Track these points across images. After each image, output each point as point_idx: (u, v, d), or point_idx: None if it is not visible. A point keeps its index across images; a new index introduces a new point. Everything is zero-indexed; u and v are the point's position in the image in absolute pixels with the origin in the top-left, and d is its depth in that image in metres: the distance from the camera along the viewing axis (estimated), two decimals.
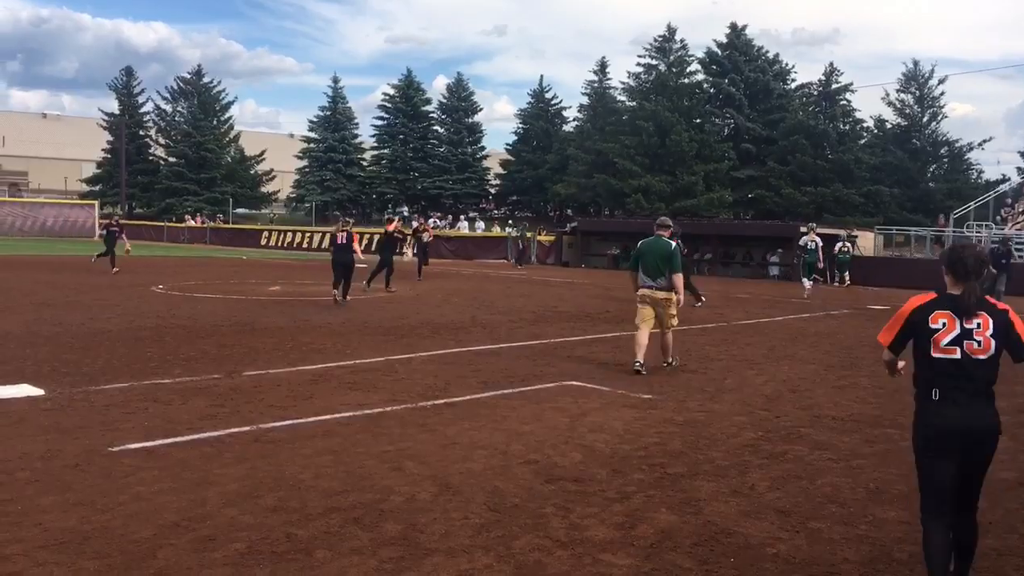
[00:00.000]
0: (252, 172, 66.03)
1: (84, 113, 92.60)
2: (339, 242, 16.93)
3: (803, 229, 24.45)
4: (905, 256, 29.65)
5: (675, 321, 10.29)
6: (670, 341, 10.32)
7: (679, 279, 10.03)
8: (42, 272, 24.14)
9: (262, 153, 65.80)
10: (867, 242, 29.65)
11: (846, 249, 26.01)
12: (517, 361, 10.51)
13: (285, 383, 8.75)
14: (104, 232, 27.72)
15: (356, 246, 17.11)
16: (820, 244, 24.22)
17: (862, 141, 45.97)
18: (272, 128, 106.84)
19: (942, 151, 45.52)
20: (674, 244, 10.32)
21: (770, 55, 49.08)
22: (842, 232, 27.68)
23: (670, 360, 10.30)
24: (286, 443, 6.44)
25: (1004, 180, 42.43)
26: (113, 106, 66.97)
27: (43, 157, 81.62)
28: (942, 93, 45.40)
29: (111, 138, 64.98)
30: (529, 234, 38.72)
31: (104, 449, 6.10)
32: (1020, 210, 29.21)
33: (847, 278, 24.70)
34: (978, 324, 3.84)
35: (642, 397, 8.53)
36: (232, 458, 5.99)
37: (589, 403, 8.21)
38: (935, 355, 3.84)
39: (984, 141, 45.34)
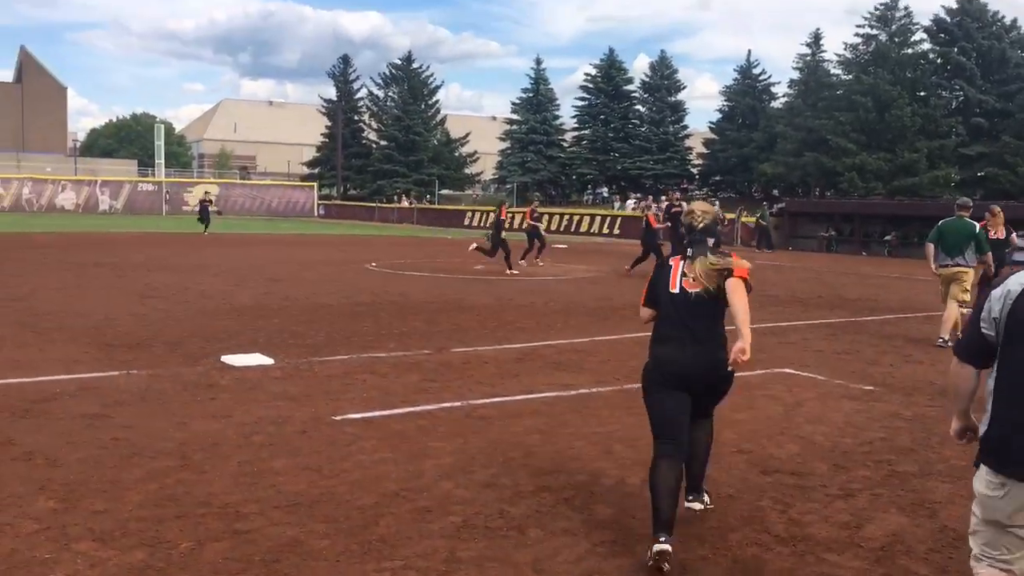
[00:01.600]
0: (457, 154, 68.06)
1: (305, 100, 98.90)
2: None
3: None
4: None
5: (966, 297, 10.54)
6: (953, 315, 10.56)
7: (989, 257, 10.70)
8: (268, 248, 26.02)
9: (466, 135, 67.66)
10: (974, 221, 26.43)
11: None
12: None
13: (492, 360, 8.90)
14: (199, 207, 33.40)
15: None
16: None
17: None
18: (475, 111, 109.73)
19: None
20: (979, 226, 10.86)
21: (1007, 20, 44.76)
22: None
23: (944, 337, 10.54)
24: (496, 420, 6.54)
25: None
26: (331, 93, 70.95)
27: (269, 142, 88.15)
28: None
29: (329, 123, 68.90)
30: (732, 215, 37.51)
31: (328, 417, 6.42)
32: None
33: None
34: None
35: (863, 388, 8.02)
36: (446, 432, 6.15)
37: (805, 392, 7.80)
38: None
39: None
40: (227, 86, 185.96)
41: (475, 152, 68.00)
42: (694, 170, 62.44)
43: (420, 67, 68.20)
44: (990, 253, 10.76)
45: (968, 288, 10.65)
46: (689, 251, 4.51)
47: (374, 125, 68.87)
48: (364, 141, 69.79)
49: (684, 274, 4.44)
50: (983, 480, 2.92)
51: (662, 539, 4.10)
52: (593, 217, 43.66)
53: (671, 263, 4.58)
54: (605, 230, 41.57)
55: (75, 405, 6.57)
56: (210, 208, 33.59)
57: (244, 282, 15.80)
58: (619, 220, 41.99)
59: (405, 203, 58.23)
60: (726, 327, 4.48)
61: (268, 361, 8.43)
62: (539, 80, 65.95)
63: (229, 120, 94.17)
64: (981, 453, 2.96)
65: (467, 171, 68.93)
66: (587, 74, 64.70)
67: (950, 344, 10.22)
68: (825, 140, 43.28)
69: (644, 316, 4.77)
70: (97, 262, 19.27)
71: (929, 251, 10.94)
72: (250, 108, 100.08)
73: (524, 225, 23.07)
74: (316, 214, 60.16)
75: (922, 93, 43.54)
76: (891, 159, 41.49)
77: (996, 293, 2.96)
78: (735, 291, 4.27)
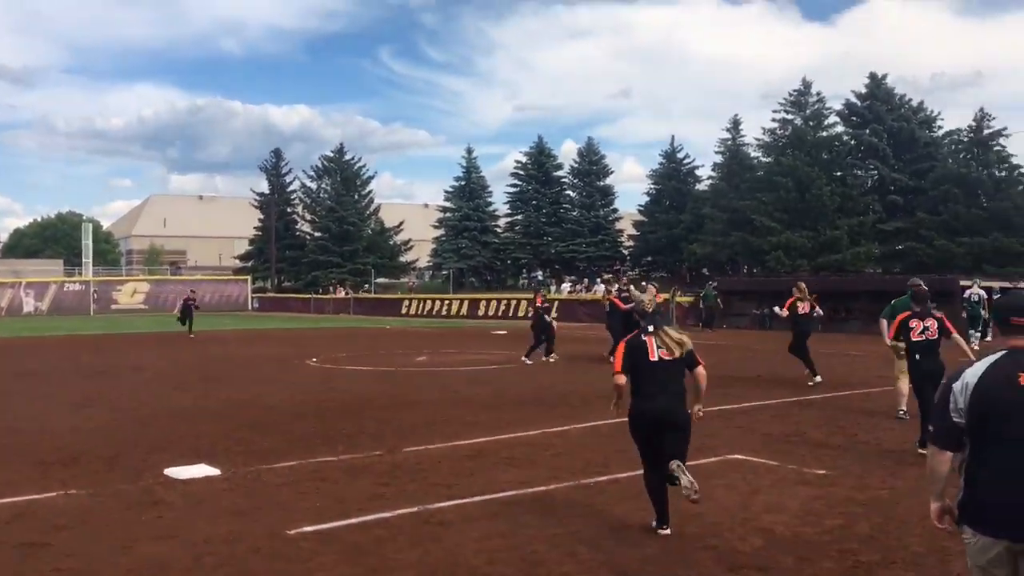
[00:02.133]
0: (391, 242, 68.22)
1: (236, 193, 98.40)
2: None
3: (967, 282, 23.38)
4: None
5: None
6: (903, 390, 10.99)
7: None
8: (206, 346, 25.46)
9: (400, 224, 67.98)
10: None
11: (975, 299, 24.28)
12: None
13: (445, 459, 8.77)
14: (182, 306, 31.17)
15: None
16: (984, 296, 23.34)
17: (1021, 188, 43.35)
18: (407, 199, 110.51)
19: None
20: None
21: (914, 103, 47.28)
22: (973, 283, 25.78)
23: (904, 409, 11.03)
24: (455, 524, 6.40)
25: None
26: (263, 186, 70.92)
27: (200, 236, 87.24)
28: None
29: (262, 216, 68.65)
30: (665, 295, 38.11)
31: (282, 532, 6.21)
32: None
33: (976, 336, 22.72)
34: None
35: (816, 473, 8.09)
36: (405, 542, 5.99)
37: (759, 480, 7.84)
38: None
39: None
40: (155, 181, 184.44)
41: (409, 240, 68.27)
42: (625, 252, 63.58)
43: (352, 158, 68.81)
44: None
45: None
46: (650, 327, 6.22)
47: (307, 217, 68.81)
48: (298, 233, 69.57)
49: (658, 347, 6.12)
50: (966, 532, 3.47)
51: (664, 528, 6.19)
52: (530, 301, 43.86)
53: (644, 339, 6.19)
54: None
55: (11, 533, 6.24)
56: (194, 306, 31.52)
57: (182, 384, 15.39)
58: (556, 304, 42.23)
59: (341, 293, 57.83)
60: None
61: (214, 472, 8.16)
62: (471, 168, 67.03)
63: (158, 215, 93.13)
64: (960, 515, 3.50)
65: (402, 259, 69.06)
66: (517, 161, 66.13)
67: (906, 416, 10.88)
68: (750, 220, 44.66)
69: (621, 381, 6.21)
70: (25, 370, 18.61)
71: (883, 326, 11.35)
72: (179, 202, 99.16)
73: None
74: (250, 307, 59.32)
75: (839, 173, 45.42)
76: (814, 237, 42.94)
77: (956, 386, 3.44)
78: (701, 369, 6.27)
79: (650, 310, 6.37)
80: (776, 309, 16.45)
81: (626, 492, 7.38)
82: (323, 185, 68.44)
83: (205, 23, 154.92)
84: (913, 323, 9.15)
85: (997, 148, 43.86)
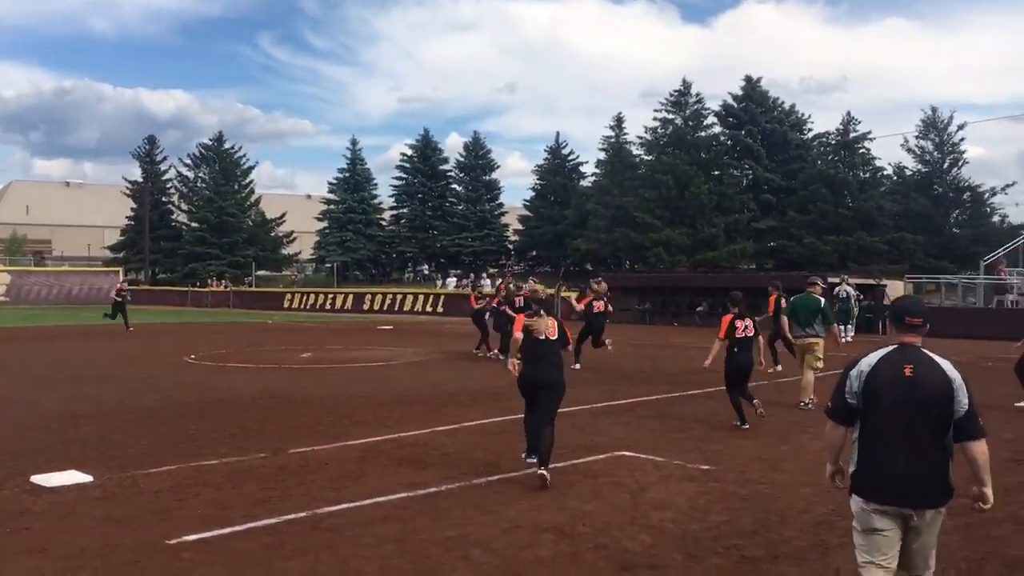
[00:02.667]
0: (273, 234, 66.56)
1: (107, 181, 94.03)
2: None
3: (837, 279, 24.65)
4: (935, 304, 29.28)
5: (819, 364, 12.10)
6: (810, 381, 11.97)
7: (836, 330, 12.46)
8: (73, 342, 24.23)
9: (282, 216, 66.38)
10: (896, 291, 29.30)
11: (844, 295, 25.23)
12: (565, 430, 10.22)
13: (333, 461, 8.59)
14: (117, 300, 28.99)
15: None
16: (855, 293, 24.65)
17: (883, 188, 45.85)
18: (289, 189, 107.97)
19: (964, 196, 45.33)
20: (823, 301, 12.35)
21: (786, 106, 49.30)
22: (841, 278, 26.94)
23: (806, 400, 11.88)
24: (345, 530, 6.27)
25: None
26: (136, 173, 68.02)
27: (66, 225, 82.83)
28: (962, 139, 45.41)
29: (135, 205, 65.83)
30: (551, 290, 38.49)
31: (161, 542, 5.94)
32: None
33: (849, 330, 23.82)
34: None
35: (700, 468, 8.30)
36: (293, 549, 5.82)
37: (647, 476, 7.99)
38: None
39: (1008, 185, 45.08)
40: (17, 166, 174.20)
41: (292, 232, 66.75)
42: (511, 246, 63.97)
43: (232, 147, 66.71)
44: (835, 324, 12.44)
45: (820, 356, 12.06)
46: (541, 312, 8.22)
47: (184, 207, 66.34)
48: (174, 223, 67.01)
49: (544, 329, 8.05)
50: (855, 501, 4.10)
51: (532, 459, 7.92)
52: (416, 296, 43.66)
53: (532, 321, 8.12)
54: (429, 308, 41.61)
55: None
56: (124, 299, 29.50)
57: (50, 384, 14.56)
58: (442, 298, 42.19)
59: (218, 286, 56.05)
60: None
61: (86, 478, 7.74)
62: (355, 160, 66.01)
63: (20, 202, 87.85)
64: (851, 486, 4.12)
65: (284, 252, 67.47)
66: (403, 154, 65.52)
67: (811, 407, 11.66)
68: (632, 217, 45.62)
69: (519, 339, 8.18)
70: None
71: (785, 324, 12.76)
72: (44, 189, 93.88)
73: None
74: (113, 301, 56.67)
75: (716, 172, 46.92)
76: (693, 234, 44.25)
77: (852, 373, 4.10)
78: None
79: (542, 298, 8.85)
80: (574, 304, 17.91)
81: (517, 491, 7.40)
82: (200, 174, 66.09)
83: (75, 0, 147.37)
84: (737, 323, 10.72)
85: (862, 151, 46.24)
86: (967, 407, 3.94)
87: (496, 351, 18.50)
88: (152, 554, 5.71)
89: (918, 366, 3.98)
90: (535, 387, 8.02)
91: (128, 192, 66.98)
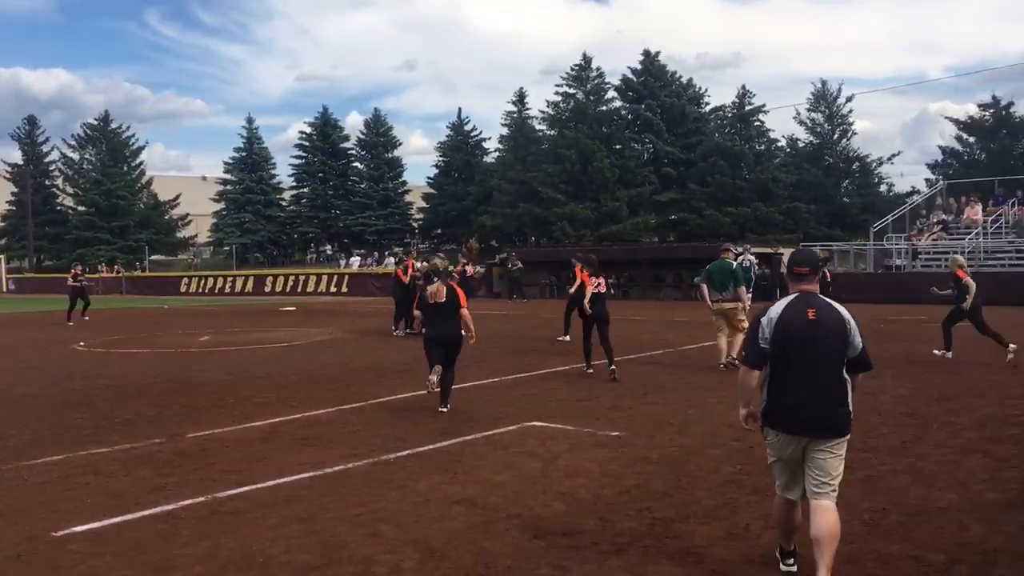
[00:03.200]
0: (167, 217, 64.26)
1: None
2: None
3: (739, 248, 24.87)
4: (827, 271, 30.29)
5: (745, 324, 12.09)
6: (738, 341, 12.14)
7: (743, 291, 12.57)
8: None
9: (176, 198, 64.13)
10: (733, 261, 30.12)
11: (747, 264, 25.72)
12: (474, 404, 10.18)
13: (234, 444, 8.25)
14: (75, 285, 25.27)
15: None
16: (756, 262, 25.15)
17: (777, 160, 47.07)
18: (183, 171, 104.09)
19: (854, 166, 46.95)
20: (735, 264, 13.03)
21: (683, 80, 50.05)
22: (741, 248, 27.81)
23: (724, 361, 12.40)
24: (247, 513, 5.99)
25: (914, 192, 43.97)
26: (16, 156, 64.54)
27: None
28: (850, 111, 46.94)
29: (15, 189, 62.59)
30: (453, 267, 38.26)
31: (47, 535, 5.57)
32: (934, 220, 30.16)
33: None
34: None
35: (610, 435, 8.29)
36: (191, 535, 5.53)
37: (557, 445, 7.93)
38: None
39: (893, 155, 47.09)
40: None
41: (187, 215, 64.52)
42: (415, 224, 63.39)
43: (119, 127, 63.98)
44: (743, 287, 12.71)
45: (743, 317, 12.36)
46: (436, 281, 9.96)
47: (70, 190, 63.39)
48: (59, 207, 64.00)
49: (435, 294, 9.65)
50: (768, 434, 4.67)
51: (434, 375, 9.37)
52: (320, 276, 42.83)
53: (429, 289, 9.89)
54: (333, 288, 40.90)
55: None
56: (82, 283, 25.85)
57: None
58: (346, 278, 41.52)
59: (106, 272, 53.78)
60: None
61: None
62: (252, 139, 64.17)
63: None
64: (763, 420, 4.68)
65: (179, 235, 65.23)
66: (302, 132, 63.99)
67: (738, 363, 11.44)
68: (537, 192, 45.69)
69: (418, 313, 10.15)
70: None
71: (703, 290, 12.90)
72: None
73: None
74: (5, 289, 54.01)
75: (618, 146, 47.34)
76: (596, 208, 44.60)
77: (764, 320, 4.58)
78: (464, 311, 9.76)
79: (441, 269, 11.10)
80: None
81: (427, 465, 7.24)
82: (87, 156, 63.21)
83: None
84: (591, 280, 12.18)
85: (757, 123, 47.38)
86: (861, 346, 4.50)
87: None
88: (36, 547, 5.34)
89: (819, 310, 4.49)
90: (437, 343, 9.60)
91: (8, 176, 63.52)
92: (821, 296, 4.61)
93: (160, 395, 11.24)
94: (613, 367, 11.64)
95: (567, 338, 16.53)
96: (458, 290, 9.79)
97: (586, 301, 12.24)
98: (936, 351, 13.41)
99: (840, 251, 31.53)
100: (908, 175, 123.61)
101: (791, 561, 4.74)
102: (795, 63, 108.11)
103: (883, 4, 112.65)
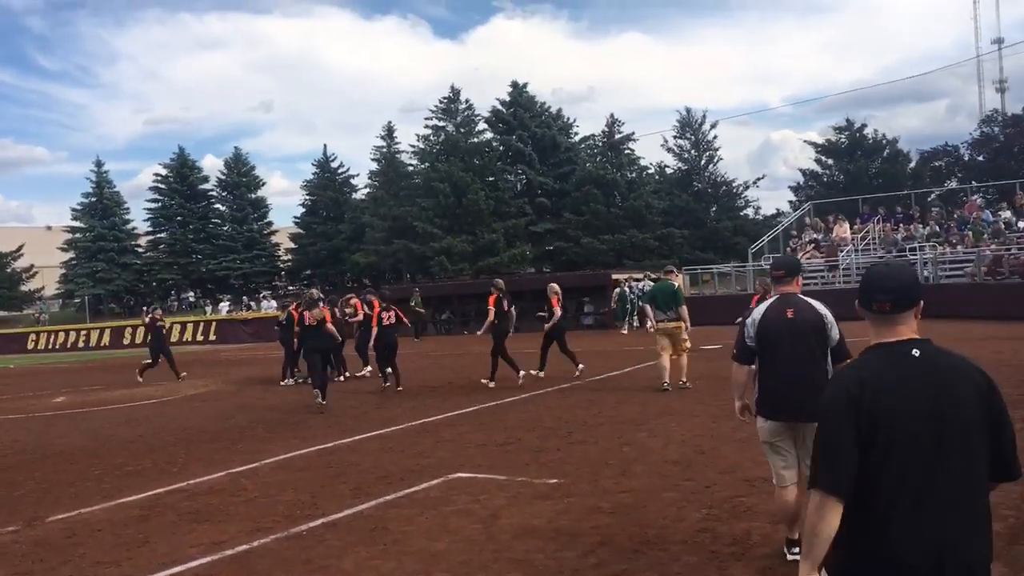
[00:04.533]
0: (9, 270, 59.60)
1: None
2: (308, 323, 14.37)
3: (639, 276, 26.90)
4: (706, 294, 30.58)
5: (687, 345, 12.89)
6: (685, 363, 12.72)
7: (684, 310, 12.68)
8: None
9: (19, 248, 59.62)
10: (677, 283, 30.37)
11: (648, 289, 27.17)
12: (382, 456, 9.11)
13: (107, 526, 6.93)
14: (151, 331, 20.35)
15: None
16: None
17: (649, 187, 47.77)
18: (25, 222, 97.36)
19: (721, 191, 48.18)
20: (677, 285, 13.27)
21: (553, 110, 50.30)
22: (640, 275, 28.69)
23: (684, 380, 12.54)
24: None
25: (779, 214, 45.42)
26: None
27: None
28: (715, 137, 48.22)
29: None
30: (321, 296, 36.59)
31: None
32: (807, 240, 30.92)
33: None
34: None
35: (548, 483, 7.42)
36: None
37: (493, 500, 6.99)
38: None
39: (758, 179, 48.56)
40: None
41: (32, 266, 60.04)
42: (283, 266, 61.16)
43: None
44: (684, 307, 12.76)
45: (686, 337, 12.75)
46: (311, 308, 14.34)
47: None
48: None
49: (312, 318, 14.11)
50: (758, 421, 5.12)
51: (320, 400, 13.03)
52: (184, 324, 40.31)
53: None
54: (200, 336, 38.52)
55: None
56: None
57: None
58: (214, 325, 39.22)
59: None
60: None
61: None
62: (101, 183, 60.49)
63: None
64: (756, 409, 5.15)
65: (24, 288, 60.58)
66: (157, 174, 60.82)
67: (689, 386, 12.46)
68: (412, 227, 44.70)
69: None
70: None
71: (648, 311, 13.18)
72: None
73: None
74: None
75: (491, 178, 47.01)
76: (473, 240, 43.97)
77: (748, 321, 5.16)
78: (329, 326, 14.25)
79: (315, 298, 15.07)
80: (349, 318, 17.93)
81: (349, 537, 6.18)
82: None
83: None
84: (383, 313, 14.80)
85: (627, 152, 48.02)
86: (838, 337, 5.02)
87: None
88: None
89: (796, 309, 5.04)
90: (315, 352, 13.77)
91: None
92: (801, 296, 5.18)
93: (10, 471, 9.64)
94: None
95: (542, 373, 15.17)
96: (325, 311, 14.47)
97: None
98: (532, 371, 14.61)
99: (720, 273, 31.89)
100: (763, 199, 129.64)
101: (796, 550, 4.80)
102: (645, 96, 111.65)
103: (723, 42, 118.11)
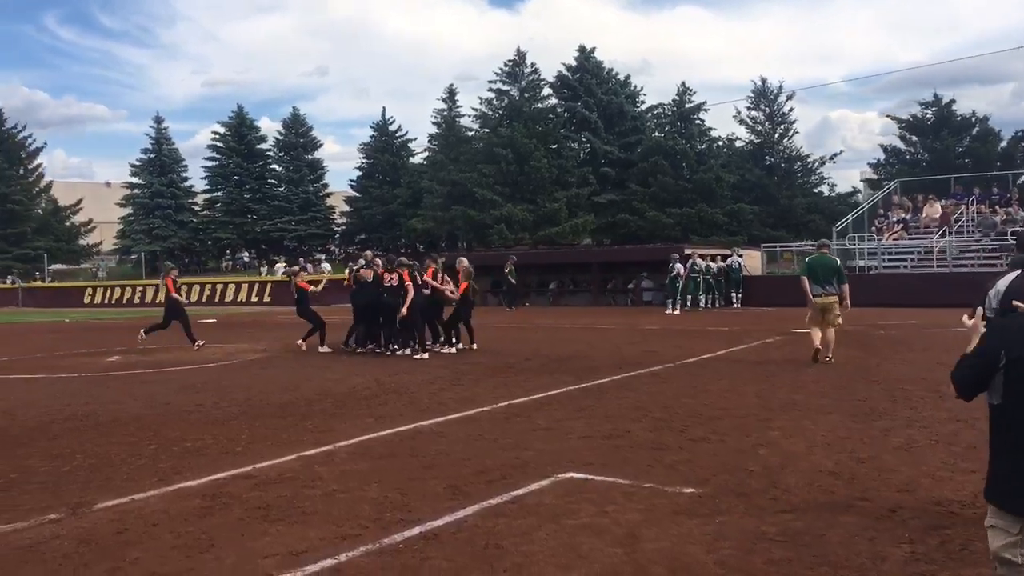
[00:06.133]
0: (68, 224, 59.77)
1: None
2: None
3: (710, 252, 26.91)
4: (786, 273, 28.92)
5: (839, 320, 12.85)
6: (832, 338, 12.77)
7: (846, 287, 12.81)
8: None
9: (78, 203, 59.74)
10: (752, 261, 28.77)
11: (736, 266, 26.81)
12: (472, 444, 7.93)
13: (164, 519, 5.83)
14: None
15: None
16: (742, 262, 27.01)
17: (719, 161, 45.82)
18: (86, 178, 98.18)
19: (795, 166, 46.08)
20: (838, 260, 13.48)
21: (620, 77, 48.48)
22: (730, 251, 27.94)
23: (829, 356, 12.63)
24: None
25: (855, 192, 43.32)
26: None
27: None
28: (791, 109, 46.02)
29: None
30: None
31: None
32: (894, 220, 29.06)
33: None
34: None
35: (684, 492, 6.15)
36: None
37: (624, 512, 5.73)
38: None
39: (835, 154, 46.15)
40: None
41: (91, 221, 60.15)
42: (337, 229, 60.45)
43: (14, 127, 59.26)
44: (847, 284, 12.86)
45: (839, 313, 12.76)
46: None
47: None
48: None
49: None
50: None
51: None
52: (239, 284, 39.73)
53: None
54: (254, 298, 37.92)
55: None
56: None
57: None
58: (269, 286, 38.56)
59: (5, 283, 49.44)
60: None
61: None
62: (160, 140, 60.32)
63: None
64: (988, 491, 3.19)
65: (82, 242, 60.78)
66: (215, 133, 60.48)
67: (832, 360, 12.58)
68: (471, 193, 43.47)
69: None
70: None
71: (805, 284, 12.86)
72: None
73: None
74: None
75: (554, 145, 45.48)
76: (534, 209, 42.61)
77: (991, 292, 4.56)
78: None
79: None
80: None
81: (457, 554, 4.98)
82: None
83: None
84: (385, 276, 15.12)
85: (697, 122, 46.10)
86: None
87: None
88: None
89: None
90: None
91: None
92: None
93: (58, 439, 8.64)
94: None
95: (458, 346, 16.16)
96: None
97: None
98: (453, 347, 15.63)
99: (799, 252, 30.17)
100: (837, 178, 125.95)
101: None
102: (700, 71, 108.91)
103: (781, 18, 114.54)
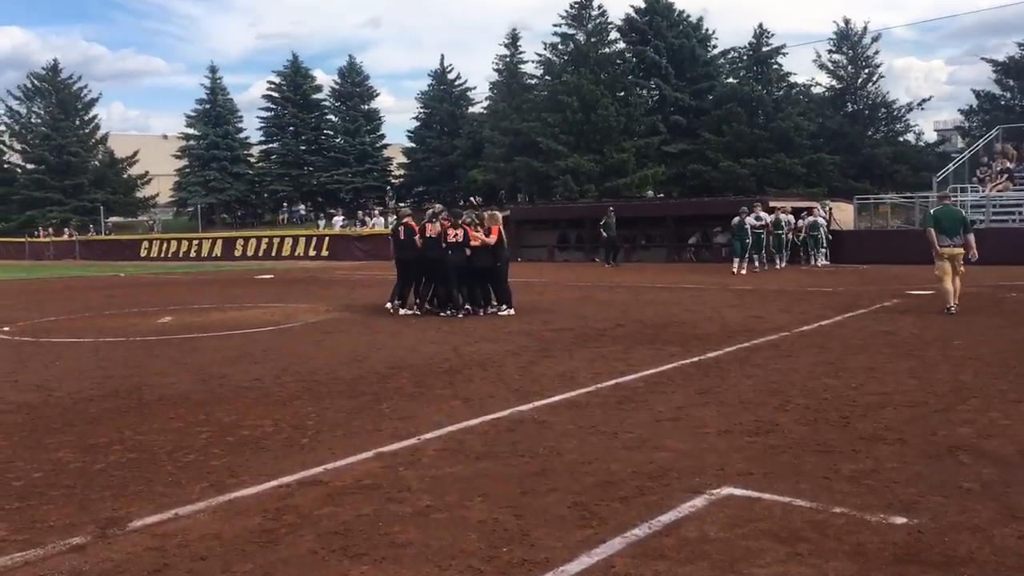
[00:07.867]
0: (125, 176, 59.42)
1: None
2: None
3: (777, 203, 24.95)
4: (886, 228, 26.73)
5: (963, 269, 13.02)
6: (958, 286, 12.95)
7: (972, 237, 12.94)
8: None
9: (135, 154, 59.29)
10: (844, 214, 26.68)
11: (823, 220, 25.13)
12: (588, 440, 6.45)
13: (216, 548, 4.48)
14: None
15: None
16: (790, 220, 24.77)
17: (798, 108, 43.14)
18: (142, 131, 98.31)
19: (880, 113, 43.23)
20: (963, 211, 14.62)
21: (692, 19, 45.90)
22: (816, 204, 25.94)
23: (956, 303, 12.79)
24: None
25: (944, 140, 40.54)
26: None
27: None
28: (876, 52, 43.07)
29: None
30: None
31: None
32: (998, 169, 26.68)
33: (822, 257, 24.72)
34: None
35: (894, 523, 4.59)
36: None
37: (824, 555, 4.21)
38: None
39: (924, 100, 42.86)
40: None
41: (147, 173, 59.74)
42: (395, 181, 59.16)
43: (70, 78, 58.76)
44: (972, 234, 12.98)
45: (962, 263, 12.88)
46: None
47: (17, 146, 58.34)
48: (6, 165, 58.93)
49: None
50: None
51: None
52: (296, 238, 38.72)
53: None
54: (312, 252, 36.89)
55: None
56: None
57: None
58: (327, 240, 37.47)
59: (63, 235, 49.23)
60: None
61: None
62: (216, 91, 59.40)
63: None
64: None
65: (139, 194, 60.47)
66: (271, 83, 59.32)
67: (955, 309, 12.70)
68: (534, 143, 41.63)
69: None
70: None
71: (931, 235, 12.89)
72: None
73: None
74: None
75: (622, 93, 43.31)
76: (601, 160, 40.69)
77: None
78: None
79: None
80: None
81: None
82: (35, 109, 58.09)
83: None
84: (450, 231, 13.97)
85: (775, 66, 43.46)
86: None
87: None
88: None
89: None
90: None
91: None
92: None
93: (94, 425, 7.37)
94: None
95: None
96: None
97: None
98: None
99: (895, 204, 27.96)
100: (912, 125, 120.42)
101: None
102: (762, 18, 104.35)
103: None
